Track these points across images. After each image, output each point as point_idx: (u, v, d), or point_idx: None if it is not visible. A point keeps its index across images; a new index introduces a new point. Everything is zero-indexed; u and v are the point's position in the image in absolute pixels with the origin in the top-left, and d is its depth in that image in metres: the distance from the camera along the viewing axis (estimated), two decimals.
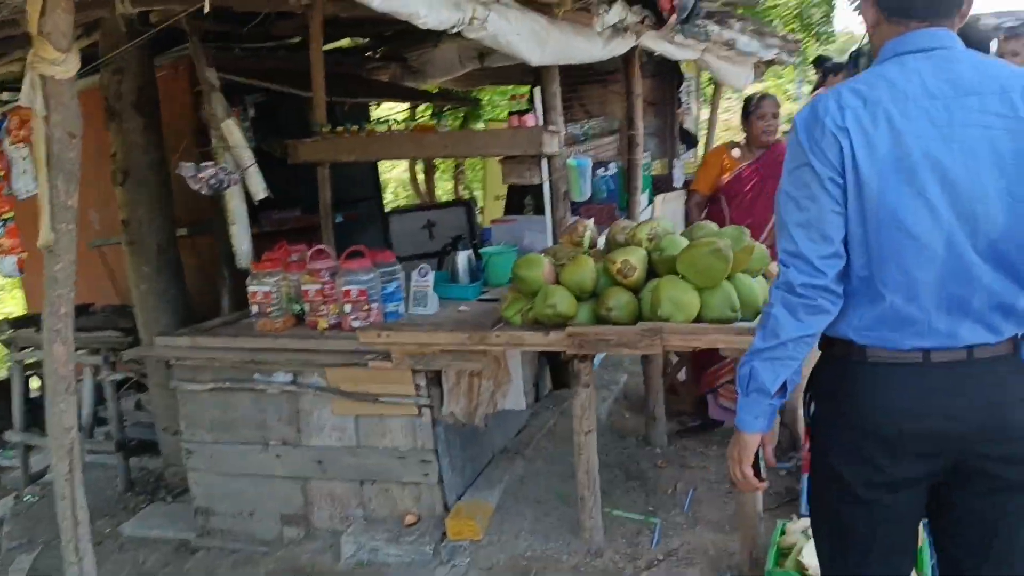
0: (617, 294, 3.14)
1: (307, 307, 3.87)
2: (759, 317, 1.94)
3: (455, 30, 2.94)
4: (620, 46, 4.17)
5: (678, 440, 4.44)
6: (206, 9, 1.86)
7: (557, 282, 3.24)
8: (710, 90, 7.88)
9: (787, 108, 18.17)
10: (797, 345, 1.86)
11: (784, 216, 1.85)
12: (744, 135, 4.65)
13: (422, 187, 8.89)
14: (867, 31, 1.91)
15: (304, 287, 3.86)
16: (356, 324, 3.69)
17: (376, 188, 7.25)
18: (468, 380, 3.62)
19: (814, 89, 8.82)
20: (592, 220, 3.61)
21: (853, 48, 11.00)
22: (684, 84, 6.50)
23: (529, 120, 4.16)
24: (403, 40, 6.38)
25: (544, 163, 4.24)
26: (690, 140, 6.70)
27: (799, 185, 1.82)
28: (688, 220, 4.79)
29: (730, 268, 3.02)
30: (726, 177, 4.57)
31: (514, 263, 3.35)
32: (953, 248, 1.72)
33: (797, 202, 1.82)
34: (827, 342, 1.91)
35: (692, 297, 3.00)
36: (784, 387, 1.92)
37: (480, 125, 8.97)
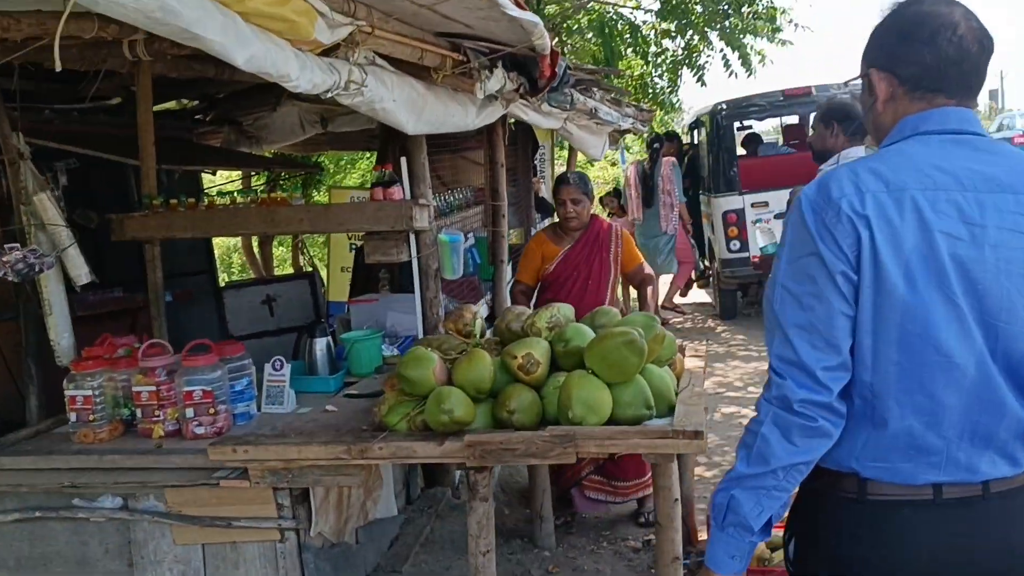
0: (519, 393, 2.75)
1: (139, 412, 3.28)
2: (742, 435, 1.61)
3: (329, 95, 2.53)
4: (492, 114, 3.89)
5: (565, 538, 4.08)
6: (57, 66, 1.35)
7: (449, 381, 2.82)
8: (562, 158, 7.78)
9: (612, 172, 18.66)
10: (789, 474, 1.55)
11: (780, 315, 1.54)
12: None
13: (258, 258, 8.23)
14: (877, 105, 1.63)
15: (135, 388, 3.29)
16: (199, 431, 3.17)
17: (209, 260, 6.60)
18: (337, 492, 3.13)
19: (654, 155, 8.91)
20: (479, 305, 3.23)
21: (692, 119, 11.41)
22: (539, 152, 6.31)
23: (396, 193, 3.77)
24: (237, 102, 5.87)
25: (412, 239, 3.86)
26: (546, 209, 6.49)
27: (802, 279, 1.52)
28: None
29: (644, 360, 2.73)
30: (551, 266, 4.28)
31: (400, 361, 2.89)
32: (984, 368, 1.47)
33: (799, 300, 1.52)
34: (814, 472, 1.60)
35: (604, 395, 2.66)
36: (769, 523, 1.61)
37: (322, 195, 8.45)
